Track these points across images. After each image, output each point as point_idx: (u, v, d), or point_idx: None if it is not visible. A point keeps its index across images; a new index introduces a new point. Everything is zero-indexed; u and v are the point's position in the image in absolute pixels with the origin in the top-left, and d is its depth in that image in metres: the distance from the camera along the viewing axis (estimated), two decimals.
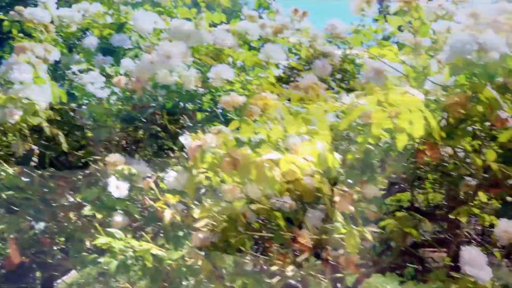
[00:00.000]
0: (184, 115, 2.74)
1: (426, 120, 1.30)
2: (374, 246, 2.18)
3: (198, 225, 1.43)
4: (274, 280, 1.51)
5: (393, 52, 2.04)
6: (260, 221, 1.71)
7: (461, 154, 2.19)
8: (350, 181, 1.64)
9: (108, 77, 2.62)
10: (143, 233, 1.96)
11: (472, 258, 1.33)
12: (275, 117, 1.39)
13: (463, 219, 2.34)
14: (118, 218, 2.13)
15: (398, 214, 1.52)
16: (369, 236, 1.39)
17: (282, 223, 1.41)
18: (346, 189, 1.37)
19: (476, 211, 2.19)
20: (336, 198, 1.36)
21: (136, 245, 1.89)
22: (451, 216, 2.55)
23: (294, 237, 1.37)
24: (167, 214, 1.56)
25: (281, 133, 1.36)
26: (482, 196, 2.33)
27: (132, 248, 1.90)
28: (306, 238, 1.36)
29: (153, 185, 1.77)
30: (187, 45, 2.61)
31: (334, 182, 1.40)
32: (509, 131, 1.55)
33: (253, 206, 1.36)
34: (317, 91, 1.59)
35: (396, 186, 2.89)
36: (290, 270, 1.47)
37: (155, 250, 1.86)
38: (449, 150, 2.28)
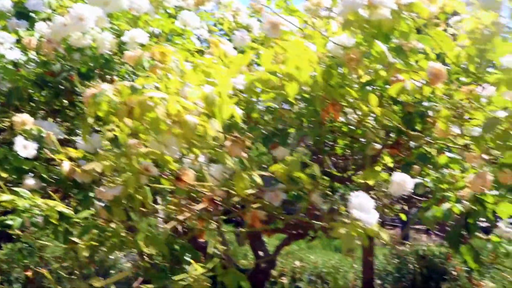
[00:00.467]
0: (101, 81, 2.71)
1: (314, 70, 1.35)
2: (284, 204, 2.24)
3: (86, 167, 1.44)
4: (168, 225, 1.53)
5: (301, 18, 2.10)
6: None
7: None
8: (251, 135, 1.68)
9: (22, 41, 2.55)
10: (51, 192, 1.93)
11: (360, 202, 1.40)
12: (173, 68, 1.41)
13: (370, 182, 2.45)
14: (30, 181, 2.11)
15: (288, 158, 1.56)
16: (258, 180, 1.43)
17: (173, 167, 1.43)
18: (238, 135, 1.40)
19: (384, 175, 2.29)
20: (227, 143, 1.39)
21: (42, 204, 1.88)
22: (357, 180, 2.67)
23: (178, 177, 1.39)
24: (66, 165, 1.55)
25: (178, 84, 1.38)
26: (388, 160, 2.44)
27: (38, 206, 1.88)
28: (189, 176, 1.39)
29: (54, 138, 1.76)
30: (105, 11, 2.58)
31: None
32: (398, 84, 1.63)
33: (144, 150, 1.37)
34: (217, 46, 1.61)
35: (315, 157, 2.98)
36: (183, 216, 1.50)
37: (61, 208, 1.86)
38: (356, 116, 2.38)
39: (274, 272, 5.18)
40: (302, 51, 1.34)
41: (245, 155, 1.41)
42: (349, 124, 2.37)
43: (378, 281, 4.33)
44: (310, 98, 2.10)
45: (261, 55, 1.39)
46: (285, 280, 5.00)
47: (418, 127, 2.11)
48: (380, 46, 1.51)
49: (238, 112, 1.53)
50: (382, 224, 6.76)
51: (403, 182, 1.70)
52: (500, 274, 3.82)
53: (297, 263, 5.16)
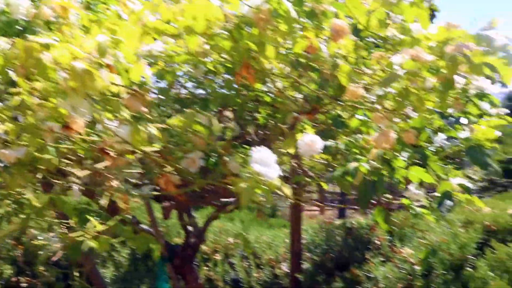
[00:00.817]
0: None
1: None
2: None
3: None
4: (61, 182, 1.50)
5: None
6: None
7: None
8: (163, 97, 1.66)
9: None
10: None
11: (261, 157, 1.40)
12: (74, 22, 1.37)
13: (291, 150, 2.47)
14: None
15: (187, 110, 1.55)
16: (155, 132, 1.41)
17: (66, 115, 1.39)
18: (138, 89, 1.38)
19: None
20: (124, 96, 1.37)
21: None
22: (279, 148, 2.69)
23: (67, 125, 1.35)
24: None
25: (79, 38, 1.34)
26: (308, 128, 2.48)
27: None
28: (79, 125, 1.36)
29: None
30: None
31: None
32: (302, 42, 1.64)
33: (37, 101, 1.32)
34: (124, 4, 1.58)
35: (243, 131, 2.98)
36: (81, 173, 1.47)
37: None
38: (279, 85, 2.39)
39: (207, 249, 5.20)
40: (201, 2, 1.33)
41: (145, 109, 1.39)
42: (270, 92, 2.39)
43: (308, 254, 4.41)
44: (232, 65, 2.10)
45: (159, 7, 1.37)
46: (218, 256, 5.03)
47: (333, 92, 2.15)
48: (285, 4, 1.51)
49: (147, 72, 1.51)
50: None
51: (312, 143, 1.72)
52: (418, 241, 3.96)
53: (230, 239, 5.19)
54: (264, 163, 1.40)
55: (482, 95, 2.46)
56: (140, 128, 1.32)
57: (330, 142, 1.95)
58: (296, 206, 4.28)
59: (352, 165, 1.74)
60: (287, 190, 1.44)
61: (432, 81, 1.50)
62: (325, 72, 2.06)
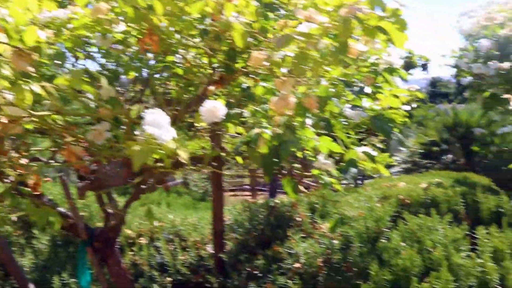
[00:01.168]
0: None
1: None
2: None
3: None
4: None
5: None
6: None
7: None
8: (58, 61, 1.61)
9: None
10: None
11: (154, 119, 1.38)
12: None
13: (204, 124, 2.45)
14: None
15: (73, 70, 1.51)
16: (40, 91, 1.36)
17: None
18: (25, 50, 1.32)
19: None
20: (8, 53, 1.31)
21: None
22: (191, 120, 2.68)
23: None
24: None
25: None
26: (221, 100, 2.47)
27: None
28: None
29: None
30: None
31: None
32: (198, 3, 1.62)
33: None
34: None
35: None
36: None
37: None
38: (189, 57, 2.37)
39: (132, 234, 5.11)
40: None
41: (31, 69, 1.33)
42: (180, 63, 2.36)
43: (232, 234, 4.43)
44: (142, 36, 2.05)
45: None
46: (143, 240, 4.96)
47: (240, 63, 2.15)
48: None
49: (42, 36, 1.45)
50: (253, 189, 6.94)
51: (214, 109, 1.71)
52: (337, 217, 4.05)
53: (156, 223, 5.13)
54: (157, 125, 1.37)
55: (391, 70, 2.53)
56: (23, 87, 1.27)
57: (235, 110, 1.95)
58: (217, 185, 4.28)
59: (254, 131, 1.74)
60: (184, 154, 1.42)
61: (325, 42, 1.51)
62: (229, 39, 2.05)
